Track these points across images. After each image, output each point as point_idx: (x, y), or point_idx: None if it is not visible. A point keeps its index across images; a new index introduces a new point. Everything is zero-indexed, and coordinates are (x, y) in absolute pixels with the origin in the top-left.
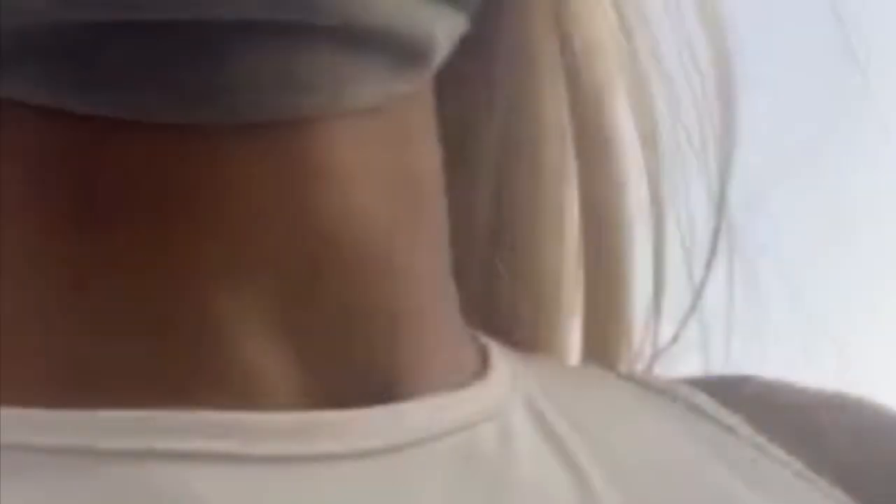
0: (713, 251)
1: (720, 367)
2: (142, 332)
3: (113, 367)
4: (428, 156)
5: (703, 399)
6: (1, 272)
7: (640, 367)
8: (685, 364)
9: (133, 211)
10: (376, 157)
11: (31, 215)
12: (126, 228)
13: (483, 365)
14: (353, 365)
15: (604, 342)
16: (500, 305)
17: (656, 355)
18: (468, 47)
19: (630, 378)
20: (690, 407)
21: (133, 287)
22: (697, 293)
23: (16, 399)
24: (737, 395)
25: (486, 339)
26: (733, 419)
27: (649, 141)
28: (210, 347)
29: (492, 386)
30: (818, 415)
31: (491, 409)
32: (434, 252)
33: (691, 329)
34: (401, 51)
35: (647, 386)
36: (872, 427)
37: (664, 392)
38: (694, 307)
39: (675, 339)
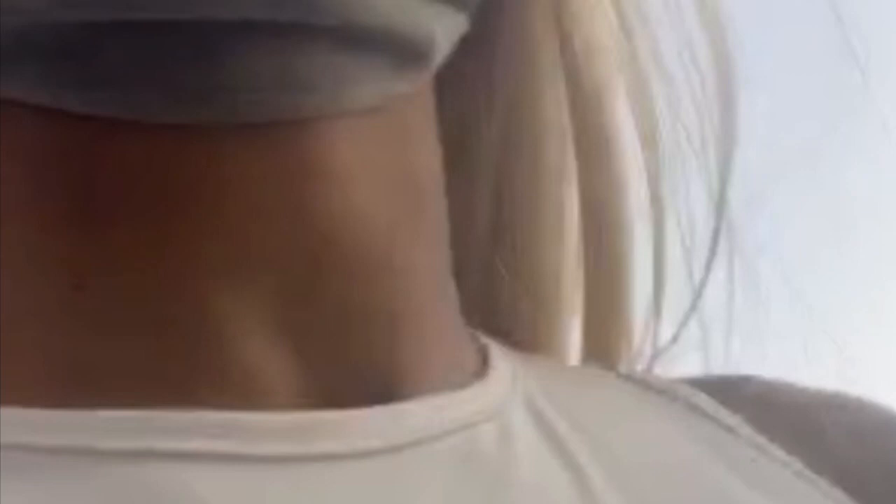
0: (713, 251)
1: (720, 367)
2: (142, 332)
3: (113, 366)
4: (428, 156)
5: (703, 399)
6: (1, 272)
7: (640, 367)
8: (685, 364)
9: (133, 210)
10: (376, 156)
11: (31, 215)
12: (126, 228)
13: (483, 365)
14: (352, 365)
15: (604, 342)
16: (500, 305)
17: (656, 355)
18: (468, 47)
19: (630, 378)
20: (690, 407)
21: (133, 287)
22: (697, 293)
23: (16, 399)
24: (737, 395)
25: (486, 339)
26: (733, 419)
27: (649, 141)
28: (210, 347)
29: (492, 386)
30: (818, 415)
31: (491, 409)
32: (434, 252)
33: (691, 329)
34: (401, 51)
35: (647, 386)
36: (872, 427)
37: (664, 392)
38: (694, 307)
39: (675, 339)
